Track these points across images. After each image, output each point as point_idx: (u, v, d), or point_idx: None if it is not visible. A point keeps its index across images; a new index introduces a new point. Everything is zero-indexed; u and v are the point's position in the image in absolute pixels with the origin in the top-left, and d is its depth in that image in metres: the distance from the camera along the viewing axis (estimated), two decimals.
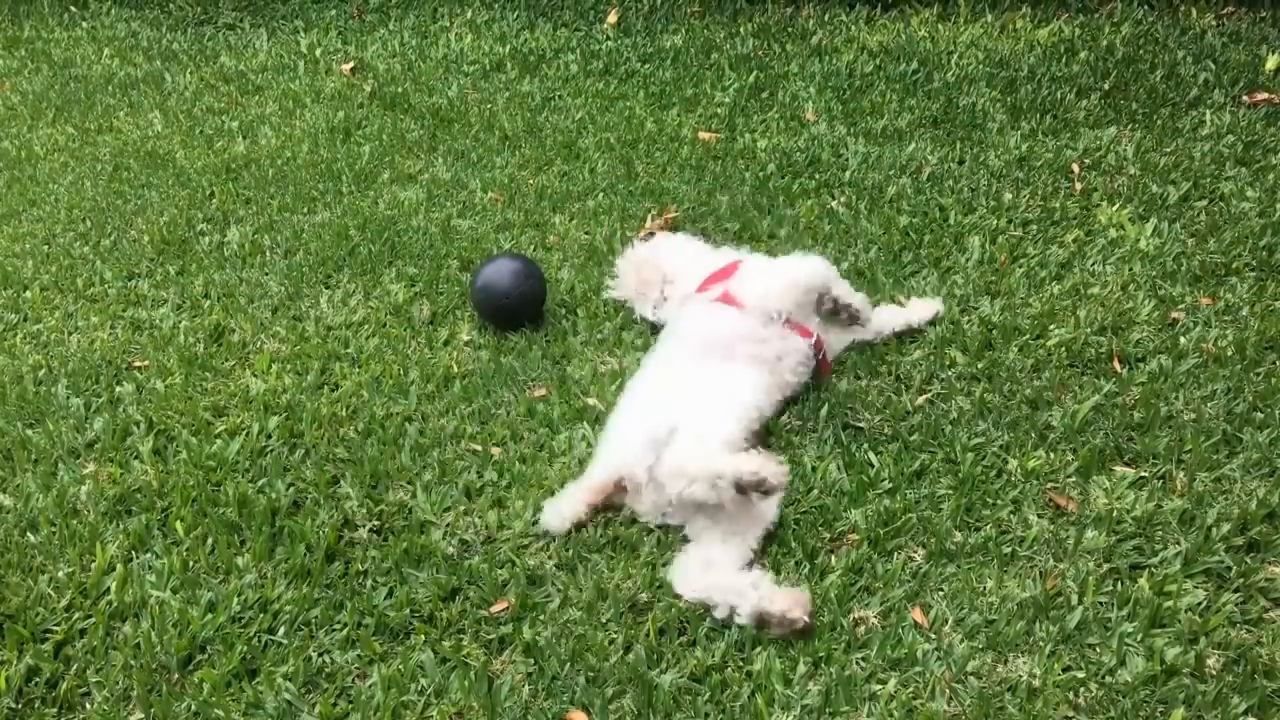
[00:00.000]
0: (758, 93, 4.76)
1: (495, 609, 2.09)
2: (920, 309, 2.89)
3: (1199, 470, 2.31)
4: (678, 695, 1.89)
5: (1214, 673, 1.87)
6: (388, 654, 2.02)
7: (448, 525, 2.32)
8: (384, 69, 5.50)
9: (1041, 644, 1.94)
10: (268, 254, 3.59)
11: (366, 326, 3.12)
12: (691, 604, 2.06)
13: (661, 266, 2.97)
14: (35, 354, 3.08)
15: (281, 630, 2.07)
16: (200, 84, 5.48)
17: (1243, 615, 1.98)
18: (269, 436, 2.63)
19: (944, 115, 4.35)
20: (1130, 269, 3.10)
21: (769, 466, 2.08)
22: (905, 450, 2.43)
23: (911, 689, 1.88)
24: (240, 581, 2.18)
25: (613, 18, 5.90)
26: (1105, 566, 2.10)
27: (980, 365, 2.71)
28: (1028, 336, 2.81)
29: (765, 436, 2.48)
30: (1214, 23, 5.07)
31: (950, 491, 2.31)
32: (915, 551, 2.17)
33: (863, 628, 2.01)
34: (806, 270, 2.61)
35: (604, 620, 2.05)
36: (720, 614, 2.02)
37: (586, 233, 3.60)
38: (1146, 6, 5.31)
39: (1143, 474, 2.32)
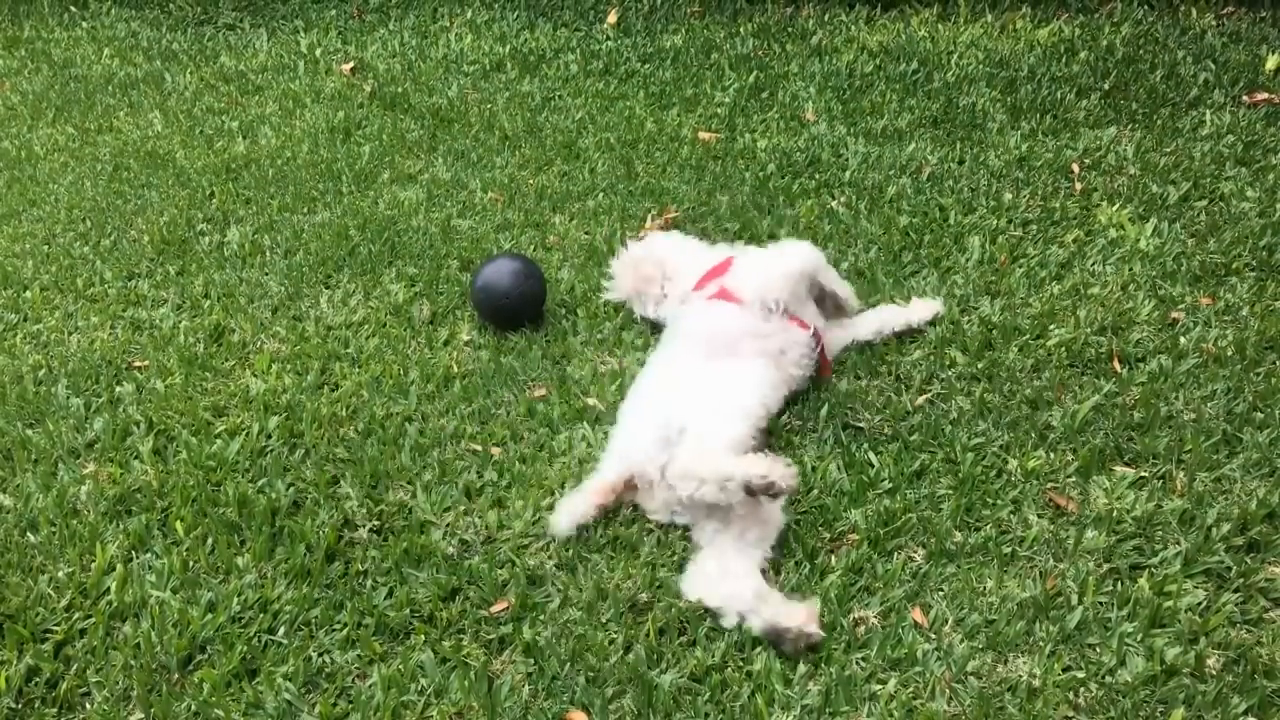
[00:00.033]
0: (758, 93, 4.76)
1: (495, 609, 2.09)
2: (920, 309, 2.90)
3: (1199, 470, 2.31)
4: (678, 695, 1.89)
5: (1214, 673, 1.87)
6: (388, 654, 2.02)
7: (448, 525, 2.32)
8: (384, 69, 5.50)
9: (1041, 644, 1.94)
10: (268, 254, 3.59)
11: (366, 326, 3.12)
12: (692, 604, 2.05)
13: (661, 263, 2.97)
14: (35, 354, 3.08)
15: (281, 630, 2.07)
16: (200, 84, 5.48)
17: (1243, 615, 1.99)
18: (269, 436, 2.63)
19: (944, 115, 4.35)
20: (1130, 269, 3.10)
21: (777, 469, 2.08)
22: (905, 450, 2.43)
23: (911, 689, 1.88)
24: (240, 581, 2.18)
25: (613, 18, 5.89)
26: (1105, 566, 2.10)
27: (980, 365, 2.71)
28: (1028, 336, 2.81)
29: (765, 436, 2.47)
30: (1214, 23, 5.07)
31: (950, 491, 2.31)
32: (915, 551, 2.18)
33: (863, 628, 2.01)
34: (798, 256, 2.68)
35: (604, 620, 2.05)
36: (728, 622, 2.00)
37: (586, 233, 3.60)
38: (1146, 6, 5.31)
39: (1143, 474, 2.32)
